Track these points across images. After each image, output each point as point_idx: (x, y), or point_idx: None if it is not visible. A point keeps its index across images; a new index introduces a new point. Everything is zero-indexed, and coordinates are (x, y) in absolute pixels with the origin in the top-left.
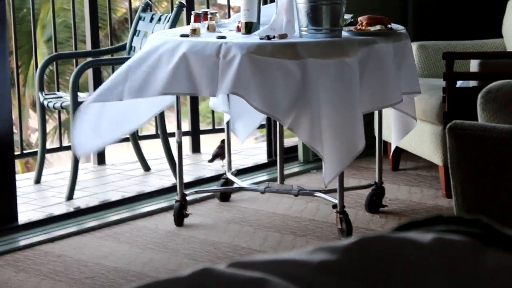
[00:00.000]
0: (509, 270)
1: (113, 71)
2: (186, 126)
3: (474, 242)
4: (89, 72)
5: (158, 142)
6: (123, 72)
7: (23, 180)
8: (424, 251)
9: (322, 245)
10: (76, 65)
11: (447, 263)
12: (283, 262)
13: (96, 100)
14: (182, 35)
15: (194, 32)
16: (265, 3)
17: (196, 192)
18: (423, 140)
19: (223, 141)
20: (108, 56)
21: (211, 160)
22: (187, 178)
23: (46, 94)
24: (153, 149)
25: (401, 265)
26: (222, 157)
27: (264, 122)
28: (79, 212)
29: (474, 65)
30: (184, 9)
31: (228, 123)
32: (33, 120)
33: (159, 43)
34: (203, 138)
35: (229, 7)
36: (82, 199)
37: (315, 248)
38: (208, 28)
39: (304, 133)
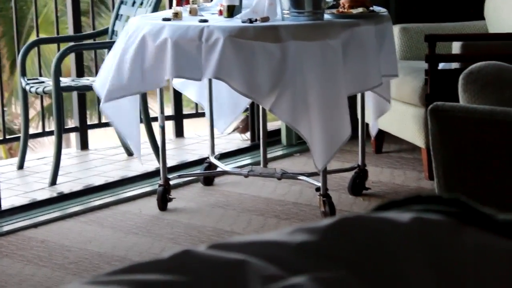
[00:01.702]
0: (486, 249)
1: (95, 55)
2: (169, 110)
3: (453, 221)
4: (71, 56)
5: (141, 126)
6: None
7: (6, 166)
8: (402, 231)
9: (302, 226)
10: (58, 50)
11: (426, 243)
12: (263, 244)
13: (106, 100)
14: (164, 19)
15: (176, 15)
16: None
17: (180, 176)
18: (405, 122)
19: (247, 116)
20: (91, 41)
21: (230, 133)
22: (170, 163)
23: (28, 79)
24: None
25: (380, 246)
26: (240, 131)
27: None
28: (63, 197)
29: (456, 47)
30: None
31: (210, 107)
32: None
33: (141, 26)
34: (186, 122)
35: None
36: (65, 184)
37: (295, 229)
38: (190, 12)
39: (286, 115)
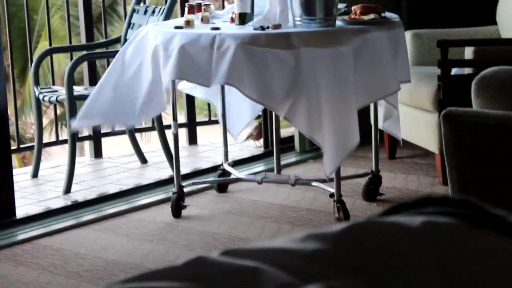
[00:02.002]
0: (498, 251)
1: (107, 64)
2: (182, 118)
3: (464, 224)
4: (84, 65)
5: (155, 134)
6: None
7: (20, 175)
8: (413, 237)
9: (313, 232)
10: (71, 58)
11: (437, 248)
12: (276, 251)
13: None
14: (176, 27)
15: (188, 23)
16: None
17: (193, 184)
18: (419, 128)
19: (260, 123)
20: (103, 49)
21: (244, 140)
22: (184, 170)
23: (41, 88)
24: (149, 141)
25: (391, 252)
26: (254, 138)
27: (260, 113)
28: (77, 206)
29: (468, 53)
30: (178, 1)
31: (224, 115)
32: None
33: (153, 35)
34: (199, 129)
35: None
36: (80, 193)
37: (306, 235)
38: (202, 20)
39: (301, 122)
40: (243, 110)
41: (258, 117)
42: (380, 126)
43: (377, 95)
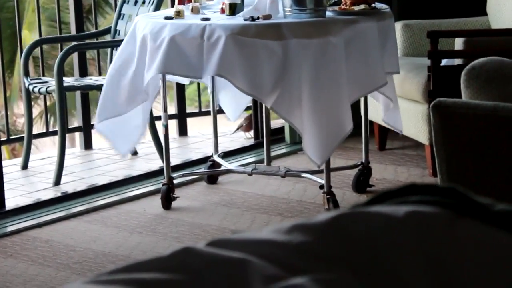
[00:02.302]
0: (482, 242)
1: (98, 55)
2: (172, 109)
3: (448, 213)
4: (74, 56)
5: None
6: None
7: (10, 166)
8: (398, 227)
9: (298, 223)
10: (61, 49)
11: (421, 238)
12: (263, 243)
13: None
14: (166, 18)
15: (178, 14)
16: None
17: (183, 175)
18: (409, 119)
19: (250, 114)
20: (93, 40)
21: (234, 132)
22: (174, 161)
23: (31, 79)
24: None
25: (376, 243)
26: (244, 129)
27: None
28: (67, 197)
29: (458, 43)
30: None
31: (213, 106)
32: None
33: (143, 26)
34: (189, 121)
35: None
36: (70, 184)
37: (292, 226)
38: (192, 10)
39: (284, 111)
40: (239, 93)
41: (248, 108)
42: (381, 119)
43: (367, 88)
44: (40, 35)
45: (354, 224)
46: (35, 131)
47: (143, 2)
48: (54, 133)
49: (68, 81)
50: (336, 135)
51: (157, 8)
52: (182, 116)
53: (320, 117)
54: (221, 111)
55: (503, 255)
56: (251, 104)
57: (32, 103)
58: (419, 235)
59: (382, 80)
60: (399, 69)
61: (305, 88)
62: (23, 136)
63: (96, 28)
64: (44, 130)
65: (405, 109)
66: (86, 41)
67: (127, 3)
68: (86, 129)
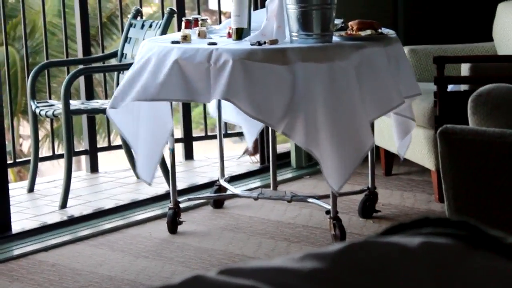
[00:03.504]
0: (495, 273)
1: (104, 78)
2: (178, 132)
3: (461, 245)
4: (81, 79)
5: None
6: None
7: (16, 189)
8: (411, 257)
9: (311, 252)
10: (68, 72)
11: (435, 269)
12: (274, 270)
13: (112, 105)
14: (173, 42)
15: (185, 38)
16: (255, 9)
17: (190, 199)
18: (415, 144)
19: (256, 139)
20: (100, 64)
21: (240, 157)
22: (180, 185)
23: (38, 102)
24: None
25: (389, 273)
26: (250, 153)
27: None
28: (73, 221)
29: (465, 69)
30: (175, 15)
31: (220, 130)
32: (22, 127)
33: (150, 50)
34: (196, 144)
35: (220, 13)
36: (76, 208)
37: (304, 254)
38: (199, 35)
39: (299, 137)
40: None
41: None
42: (397, 145)
43: (382, 110)
44: (47, 58)
45: (366, 253)
46: (41, 154)
47: (150, 26)
48: (60, 156)
49: (74, 104)
50: (351, 159)
51: (164, 32)
52: (188, 140)
53: (331, 141)
54: (227, 135)
55: None
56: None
57: (38, 125)
58: (433, 266)
59: (398, 100)
60: (420, 90)
61: (315, 112)
62: (29, 159)
63: (103, 51)
64: (50, 153)
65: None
66: (93, 65)
67: (134, 27)
68: (92, 152)
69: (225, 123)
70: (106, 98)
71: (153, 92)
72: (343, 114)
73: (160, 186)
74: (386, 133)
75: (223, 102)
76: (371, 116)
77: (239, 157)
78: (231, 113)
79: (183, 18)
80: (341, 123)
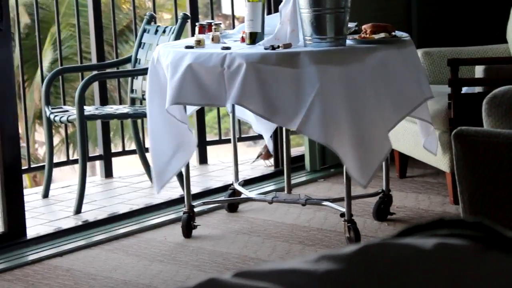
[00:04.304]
0: (509, 273)
1: (118, 83)
2: None
3: (477, 246)
4: (95, 85)
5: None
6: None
7: (31, 195)
8: (427, 258)
9: (326, 253)
10: (82, 78)
11: (450, 269)
12: (289, 272)
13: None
14: (187, 47)
15: (199, 43)
16: (269, 13)
17: (204, 203)
18: None
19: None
20: (114, 69)
21: (254, 161)
22: (194, 190)
23: (52, 108)
24: None
25: (404, 274)
26: (264, 157)
27: None
28: (88, 226)
29: (479, 71)
30: (189, 20)
31: (234, 134)
32: (37, 133)
33: (164, 55)
34: (210, 149)
35: (233, 17)
36: (90, 213)
37: (319, 256)
38: (212, 39)
39: (316, 132)
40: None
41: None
42: (423, 142)
43: (403, 111)
44: (61, 64)
45: (381, 254)
46: (55, 159)
47: (164, 32)
48: (75, 161)
49: (89, 110)
50: (373, 155)
51: (178, 37)
52: (202, 144)
53: (356, 138)
54: (241, 139)
55: None
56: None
57: (53, 131)
58: (448, 266)
59: (418, 99)
60: (432, 93)
61: (338, 108)
62: (44, 165)
63: (117, 57)
64: (65, 159)
65: None
66: (107, 70)
67: (148, 32)
68: (107, 157)
69: (239, 127)
70: (120, 103)
71: (168, 99)
72: (361, 113)
73: (175, 191)
74: (401, 136)
75: None
76: (390, 123)
77: (253, 161)
78: (244, 111)
79: (197, 23)
80: (359, 121)
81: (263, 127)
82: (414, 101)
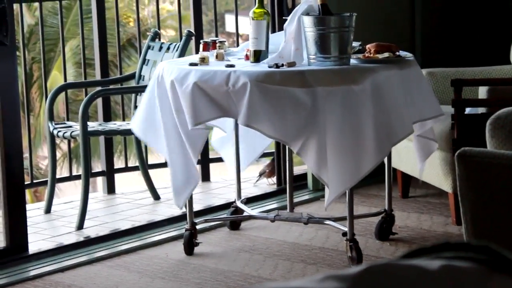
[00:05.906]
0: None
1: (122, 100)
2: None
3: (482, 269)
4: (99, 101)
5: (168, 170)
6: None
7: (33, 210)
8: (432, 279)
9: (331, 273)
10: (86, 94)
11: None
12: None
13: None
14: (191, 64)
15: (203, 60)
16: (273, 31)
17: (206, 221)
18: (432, 167)
19: (273, 160)
20: (118, 85)
21: (257, 180)
22: (196, 207)
23: (56, 124)
24: (162, 177)
25: None
26: (267, 175)
27: (268, 151)
28: (89, 242)
29: (482, 92)
30: (193, 37)
31: (237, 151)
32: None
33: (169, 71)
34: (212, 166)
35: (237, 35)
36: (92, 228)
37: (325, 276)
38: (216, 57)
39: (311, 161)
40: (251, 144)
41: (270, 154)
42: (419, 167)
43: (396, 137)
44: (65, 79)
45: (387, 275)
46: (58, 174)
47: (168, 49)
48: (77, 177)
49: (92, 125)
50: (345, 181)
51: (182, 54)
52: (204, 162)
53: (337, 164)
54: None
55: None
56: (273, 150)
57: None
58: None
59: (409, 129)
60: (442, 111)
61: (328, 136)
62: (47, 180)
63: (121, 73)
64: (67, 174)
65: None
66: (111, 87)
67: (152, 49)
68: (109, 173)
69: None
70: (123, 119)
71: (188, 121)
72: (352, 138)
73: (177, 208)
74: (404, 155)
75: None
76: (386, 147)
77: (256, 181)
78: (221, 145)
79: (201, 41)
80: (349, 146)
81: (244, 156)
82: (408, 127)
